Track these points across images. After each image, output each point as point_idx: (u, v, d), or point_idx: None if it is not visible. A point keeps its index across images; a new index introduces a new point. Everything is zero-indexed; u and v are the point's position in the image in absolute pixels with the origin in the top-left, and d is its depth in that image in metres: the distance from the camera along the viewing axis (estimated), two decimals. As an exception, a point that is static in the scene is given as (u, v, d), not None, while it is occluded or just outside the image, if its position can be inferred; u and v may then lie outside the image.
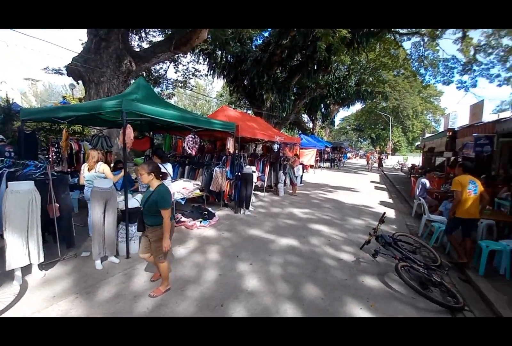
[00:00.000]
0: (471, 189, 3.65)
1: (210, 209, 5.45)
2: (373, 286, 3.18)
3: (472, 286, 3.28)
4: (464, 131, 8.22)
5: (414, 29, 18.45)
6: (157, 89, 21.37)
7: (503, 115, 7.44)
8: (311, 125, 31.42)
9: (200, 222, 4.82)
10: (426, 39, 19.42)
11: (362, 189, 10.92)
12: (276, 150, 8.21)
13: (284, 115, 19.17)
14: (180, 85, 20.46)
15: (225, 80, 20.10)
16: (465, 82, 20.52)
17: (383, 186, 12.21)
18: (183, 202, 4.85)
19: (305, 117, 32.83)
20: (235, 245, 4.29)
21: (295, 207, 7.17)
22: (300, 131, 26.78)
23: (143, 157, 7.43)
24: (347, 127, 55.36)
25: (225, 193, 6.12)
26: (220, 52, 18.06)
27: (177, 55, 17.78)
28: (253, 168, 6.53)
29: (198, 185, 5.38)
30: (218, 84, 52.53)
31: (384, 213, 4.04)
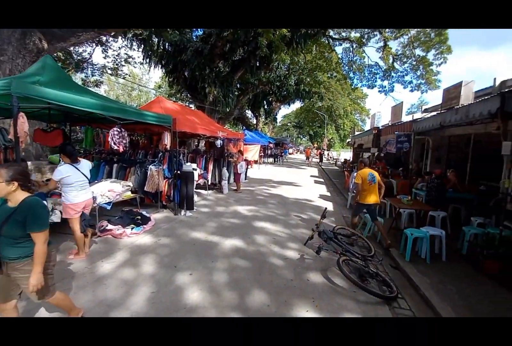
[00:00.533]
0: (370, 179, 4.39)
1: (144, 212, 4.80)
2: (317, 284, 3.18)
3: (401, 272, 3.58)
4: (387, 130, 9.26)
5: (345, 35, 20.21)
6: (80, 75, 18.50)
7: (417, 116, 8.58)
8: (254, 121, 31.95)
9: (132, 228, 4.17)
10: (354, 45, 21.37)
11: (303, 183, 11.44)
12: (219, 146, 7.84)
13: (228, 110, 18.84)
14: (109, 72, 18.12)
15: (163, 71, 18.60)
16: (385, 86, 23.44)
17: (322, 180, 13.04)
18: (108, 207, 4.10)
19: (249, 113, 33.26)
20: (174, 252, 3.84)
21: (240, 205, 6.98)
22: (244, 127, 26.86)
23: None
24: (288, 124, 58.20)
25: (163, 194, 5.51)
26: (157, 40, 16.55)
27: (105, 38, 15.62)
28: (194, 165, 6.05)
29: (129, 186, 4.66)
30: (156, 74, 48.76)
31: (326, 209, 4.14)
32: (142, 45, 16.37)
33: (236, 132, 12.23)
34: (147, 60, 16.86)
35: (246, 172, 10.96)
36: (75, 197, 3.17)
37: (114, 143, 3.90)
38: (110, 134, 3.85)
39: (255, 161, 18.67)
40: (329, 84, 32.90)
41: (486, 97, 3.75)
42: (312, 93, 27.75)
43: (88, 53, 16.33)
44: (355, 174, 6.88)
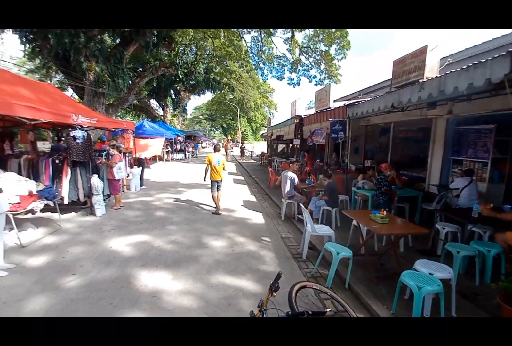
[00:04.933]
0: (215, 162, 5.49)
1: None
2: None
3: None
4: (311, 118, 8.14)
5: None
6: None
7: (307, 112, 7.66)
8: (161, 112, 28.04)
9: None
10: (263, 35, 20.44)
11: None
12: (80, 140, 4.75)
13: (120, 94, 14.74)
14: None
15: (19, 37, 12.95)
16: (293, 79, 23.78)
17: (241, 178, 11.27)
18: None
19: (154, 103, 29.03)
20: None
21: (121, 234, 4.28)
22: (149, 119, 22.59)
23: None
24: (200, 116, 55.12)
25: None
26: None
27: None
28: (4, 179, 2.98)
29: None
30: (11, 42, 35.77)
31: (279, 275, 1.94)
32: None
33: (119, 120, 8.93)
34: None
35: (142, 175, 7.99)
36: None
37: None
38: None
39: (160, 158, 15.41)
40: (239, 76, 31.95)
41: (476, 63, 2.49)
42: (223, 85, 26.75)
43: None
44: (289, 173, 5.22)
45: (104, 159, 5.40)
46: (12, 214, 3.47)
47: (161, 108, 28.74)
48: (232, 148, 25.97)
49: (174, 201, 6.69)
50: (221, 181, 5.78)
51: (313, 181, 5.70)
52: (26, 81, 5.17)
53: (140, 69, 18.80)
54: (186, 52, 22.57)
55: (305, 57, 20.46)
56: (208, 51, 24.56)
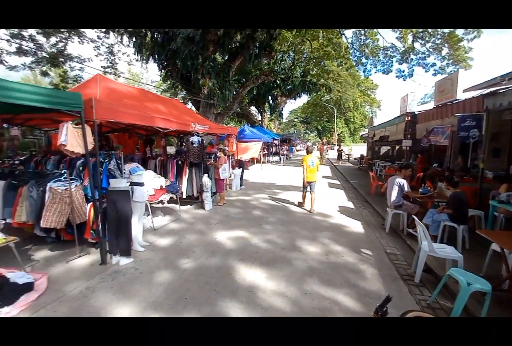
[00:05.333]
0: (309, 163, 5.77)
1: (23, 273, 2.58)
2: None
3: None
4: (428, 115, 6.82)
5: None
6: (58, 71, 16.62)
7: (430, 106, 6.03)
8: (259, 117, 30.16)
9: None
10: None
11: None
12: (196, 144, 5.63)
13: (227, 104, 16.76)
14: (104, 70, 16.27)
15: (157, 65, 16.84)
16: (403, 71, 20.75)
17: (337, 182, 10.65)
18: None
19: (253, 110, 31.55)
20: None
21: (224, 228, 4.77)
22: (249, 124, 24.74)
23: None
24: (295, 119, 55.83)
25: (87, 226, 3.35)
26: (144, 29, 14.92)
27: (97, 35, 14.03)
28: (145, 176, 3.85)
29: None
30: (152, 70, 46.93)
31: (388, 300, 1.65)
32: (133, 38, 14.91)
33: (225, 127, 10.00)
34: (139, 55, 15.34)
35: (242, 176, 8.74)
36: None
37: None
38: None
39: (257, 161, 16.47)
40: (337, 75, 30.51)
41: None
42: (319, 86, 26.23)
43: (63, 45, 14.31)
44: (398, 179, 4.52)
45: (212, 161, 6.19)
46: (149, 203, 4.44)
47: (259, 114, 30.85)
48: (327, 151, 25.00)
49: (270, 201, 6.97)
50: (315, 182, 5.94)
51: (429, 189, 4.71)
52: (161, 99, 6.55)
53: (243, 80, 20.71)
54: (284, 58, 23.33)
55: (421, 43, 17.48)
56: (306, 54, 24.62)
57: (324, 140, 45.01)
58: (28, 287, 2.43)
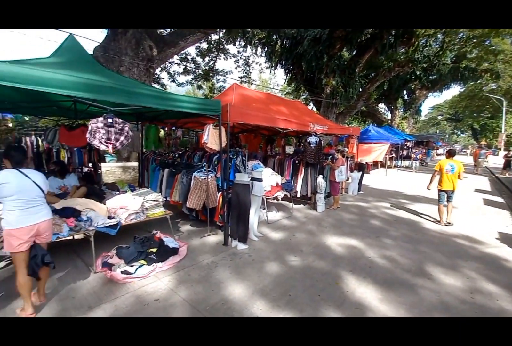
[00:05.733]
0: (447, 169, 4.95)
1: (171, 241, 3.38)
2: None
3: None
4: None
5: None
6: (207, 84, 20.70)
7: None
8: (389, 116, 26.63)
9: (138, 267, 2.82)
10: None
11: (459, 202, 6.98)
12: (313, 145, 5.59)
13: (350, 102, 15.78)
14: (241, 80, 19.34)
15: (284, 69, 18.16)
16: None
17: (499, 199, 7.86)
18: (113, 232, 2.95)
19: (381, 107, 28.21)
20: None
21: (335, 233, 4.51)
22: (375, 124, 22.17)
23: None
24: (439, 117, 45.61)
25: (216, 211, 4.01)
26: (275, 37, 16.41)
27: (223, 42, 16.71)
28: (264, 172, 4.19)
29: (156, 200, 3.41)
30: (279, 75, 50.55)
31: None
32: (265, 48, 16.79)
33: (346, 127, 9.33)
34: (270, 63, 17.14)
35: (361, 180, 7.99)
36: (19, 218, 2.10)
37: (100, 141, 2.64)
38: (90, 127, 2.61)
39: (382, 165, 14.60)
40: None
41: None
42: (480, 72, 20.23)
43: (212, 61, 17.73)
44: None
45: (329, 161, 5.97)
46: (265, 197, 4.80)
47: (389, 112, 27.25)
48: (486, 157, 18.96)
49: (393, 212, 6.02)
50: (453, 192, 5.03)
51: None
52: (284, 101, 6.91)
53: (372, 74, 18.81)
54: (428, 43, 19.32)
55: None
56: (462, 34, 19.44)
57: (483, 142, 34.12)
58: (174, 251, 3.19)
